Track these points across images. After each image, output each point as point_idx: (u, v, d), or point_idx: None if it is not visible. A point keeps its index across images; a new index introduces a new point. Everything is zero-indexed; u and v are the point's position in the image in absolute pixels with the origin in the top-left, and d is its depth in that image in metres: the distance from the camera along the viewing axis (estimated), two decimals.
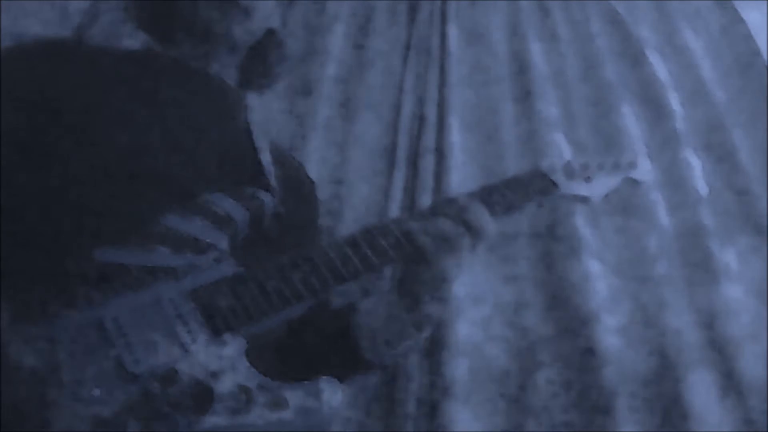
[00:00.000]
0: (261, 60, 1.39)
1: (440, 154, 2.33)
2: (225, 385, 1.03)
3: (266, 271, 1.12)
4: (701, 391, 2.00)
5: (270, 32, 1.37)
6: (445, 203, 1.26)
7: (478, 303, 2.17)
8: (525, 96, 2.50)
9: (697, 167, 2.38)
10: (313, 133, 2.41)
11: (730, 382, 2.03)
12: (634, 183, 1.41)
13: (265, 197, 1.24)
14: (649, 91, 2.54)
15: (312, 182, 1.46)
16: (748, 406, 2.00)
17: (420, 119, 2.40)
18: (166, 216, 1.13)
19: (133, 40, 1.39)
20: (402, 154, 2.34)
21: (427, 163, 2.31)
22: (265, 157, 1.30)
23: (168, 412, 1.01)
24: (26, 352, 1.00)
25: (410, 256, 1.19)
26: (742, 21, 2.74)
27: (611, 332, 2.09)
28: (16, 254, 1.12)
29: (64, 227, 1.12)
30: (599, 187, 1.39)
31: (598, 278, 2.16)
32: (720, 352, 2.08)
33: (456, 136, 2.37)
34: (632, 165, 1.42)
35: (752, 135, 2.51)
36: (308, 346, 1.28)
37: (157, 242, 1.11)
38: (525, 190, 1.33)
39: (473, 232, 1.21)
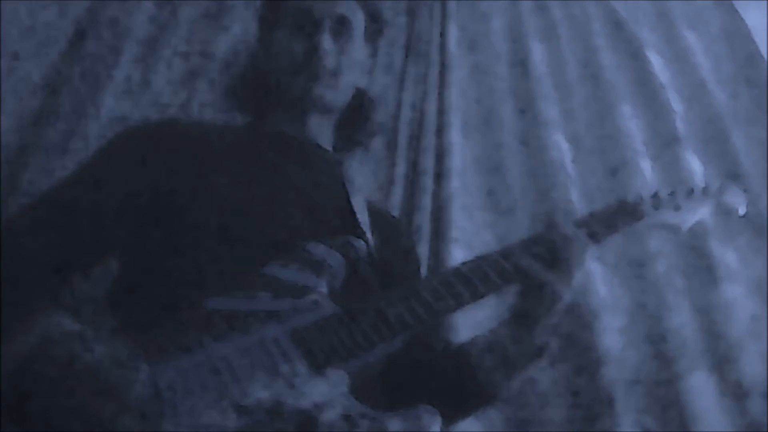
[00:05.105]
0: (354, 120, 1.55)
1: (440, 154, 2.33)
2: (328, 414, 1.09)
3: (362, 310, 1.20)
4: (701, 391, 2.00)
5: (360, 92, 1.53)
6: (547, 234, 1.33)
7: (477, 303, 2.16)
8: (525, 96, 2.50)
9: (697, 167, 2.38)
10: None
11: (730, 382, 2.03)
12: (728, 210, 1.40)
13: (358, 244, 1.33)
14: (649, 91, 2.54)
15: (411, 238, 1.59)
16: (748, 406, 2.00)
17: (420, 119, 2.40)
18: (267, 266, 1.24)
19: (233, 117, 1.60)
20: (402, 154, 2.34)
21: (427, 162, 2.31)
22: (360, 211, 1.42)
23: None
24: (143, 391, 1.05)
25: (520, 281, 1.28)
26: (742, 21, 2.74)
27: (611, 332, 2.09)
28: (137, 302, 1.24)
29: (179, 280, 1.23)
30: (688, 214, 1.42)
31: (598, 278, 2.16)
32: (720, 352, 2.07)
33: (456, 136, 2.37)
34: (722, 190, 1.44)
35: (752, 135, 2.51)
36: (416, 381, 1.36)
37: (259, 289, 1.21)
38: (612, 221, 1.40)
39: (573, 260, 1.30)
